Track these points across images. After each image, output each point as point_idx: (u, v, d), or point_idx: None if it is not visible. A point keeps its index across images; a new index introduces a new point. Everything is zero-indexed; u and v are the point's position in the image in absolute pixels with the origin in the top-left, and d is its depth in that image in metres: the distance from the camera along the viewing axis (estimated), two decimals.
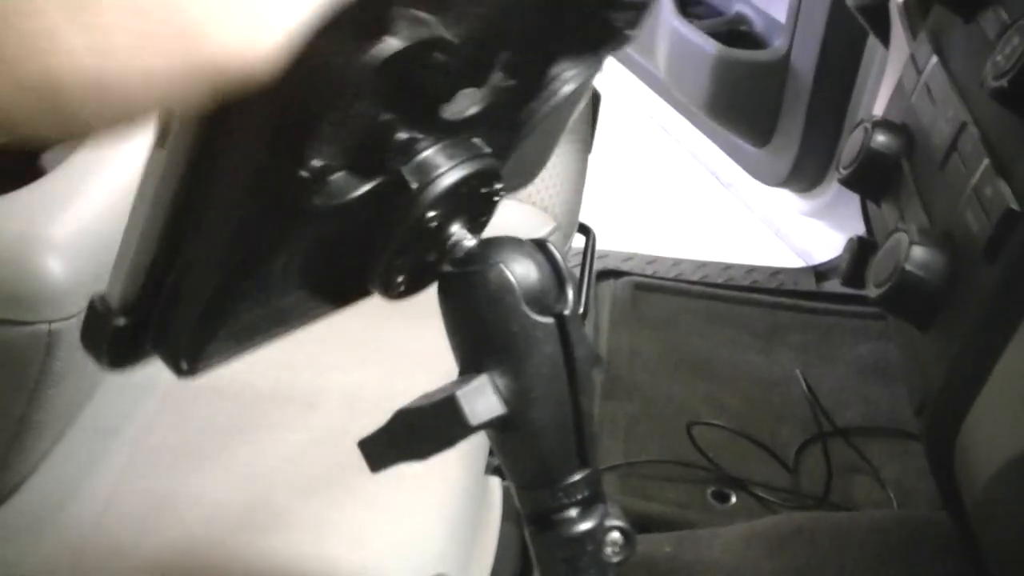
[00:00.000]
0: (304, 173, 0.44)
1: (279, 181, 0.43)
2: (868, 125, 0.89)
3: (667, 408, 1.69)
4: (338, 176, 0.47)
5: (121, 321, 0.46)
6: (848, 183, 0.91)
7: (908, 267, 0.74)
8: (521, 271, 0.53)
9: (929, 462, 0.82)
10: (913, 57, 0.90)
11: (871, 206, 0.95)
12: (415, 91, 0.47)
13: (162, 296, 0.45)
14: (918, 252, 0.74)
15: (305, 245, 0.49)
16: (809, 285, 2.08)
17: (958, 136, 0.77)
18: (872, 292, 0.78)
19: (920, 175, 0.84)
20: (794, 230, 2.24)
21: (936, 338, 0.76)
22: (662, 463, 1.56)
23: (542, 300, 0.53)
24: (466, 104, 0.51)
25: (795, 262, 2.19)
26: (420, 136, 0.50)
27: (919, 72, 0.87)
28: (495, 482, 1.12)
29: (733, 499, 1.54)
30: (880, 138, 0.88)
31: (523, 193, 1.30)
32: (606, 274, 2.02)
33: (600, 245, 1.83)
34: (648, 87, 2.48)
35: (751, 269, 2.12)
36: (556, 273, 0.55)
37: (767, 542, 1.35)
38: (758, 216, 2.34)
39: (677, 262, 2.12)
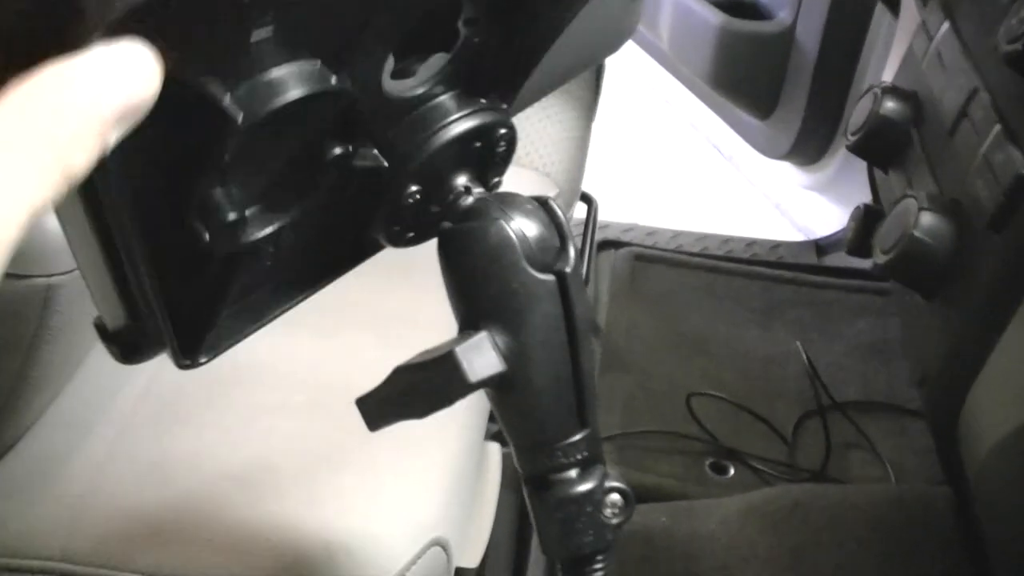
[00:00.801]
0: None
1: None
2: (877, 91, 0.88)
3: (665, 381, 1.68)
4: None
5: (120, 336, 0.46)
6: (856, 149, 0.90)
7: (916, 233, 0.73)
8: (522, 227, 0.52)
9: (932, 434, 0.81)
10: (924, 24, 0.89)
11: (878, 174, 0.94)
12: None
13: (139, 310, 0.44)
14: (927, 219, 0.73)
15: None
16: (809, 259, 2.07)
17: (969, 102, 0.76)
18: (879, 259, 0.77)
19: (929, 142, 0.83)
20: (795, 204, 2.23)
21: (941, 308, 0.75)
22: (660, 434, 1.56)
23: (543, 257, 0.53)
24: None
25: (795, 236, 2.18)
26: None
27: (930, 38, 0.86)
28: (494, 448, 1.11)
29: (731, 471, 1.54)
30: (889, 104, 0.87)
31: (526, 158, 1.29)
32: (606, 244, 2.01)
33: (600, 216, 1.82)
34: (651, 58, 2.46)
35: (751, 242, 2.12)
36: (558, 230, 0.54)
37: (763, 516, 1.35)
38: (759, 189, 2.34)
39: (677, 234, 2.11)
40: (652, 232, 2.11)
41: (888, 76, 0.98)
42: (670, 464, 1.53)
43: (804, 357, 1.72)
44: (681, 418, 1.60)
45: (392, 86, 0.50)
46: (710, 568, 1.29)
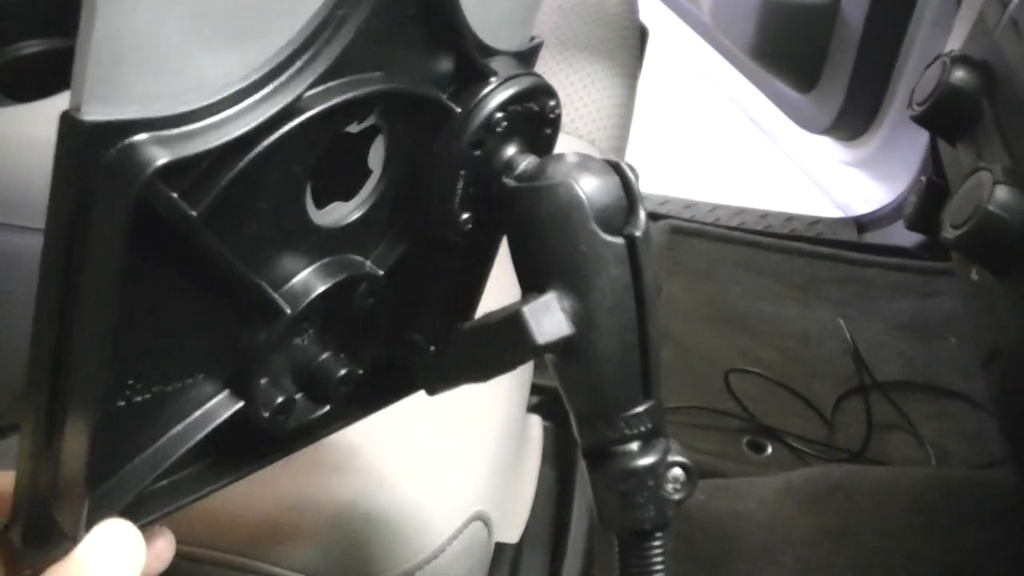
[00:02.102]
0: None
1: None
2: (947, 60, 0.85)
3: (703, 356, 1.66)
4: None
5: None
6: (921, 120, 0.87)
7: (991, 208, 0.70)
8: (592, 188, 0.50)
9: (997, 415, 0.79)
10: None
11: (943, 147, 0.91)
12: None
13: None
14: (1002, 192, 0.70)
15: None
16: (850, 236, 2.04)
17: None
18: (948, 234, 0.75)
19: (1003, 113, 0.80)
20: (835, 180, 2.20)
21: (1014, 285, 0.73)
22: (698, 410, 1.54)
23: (612, 220, 0.51)
24: None
25: (835, 213, 2.15)
26: None
27: (1004, 5, 0.83)
28: (535, 420, 1.09)
29: (769, 449, 1.52)
30: (959, 74, 0.84)
31: (570, 126, 1.27)
32: None
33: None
34: (691, 29, 2.43)
35: (790, 218, 2.09)
36: (628, 193, 0.52)
37: (803, 496, 1.33)
38: (798, 164, 2.30)
39: (714, 208, 2.09)
40: (689, 205, 2.08)
41: (953, 45, 0.95)
42: (707, 441, 1.51)
43: (847, 335, 1.69)
44: (719, 394, 1.57)
45: None
46: (749, 547, 1.27)
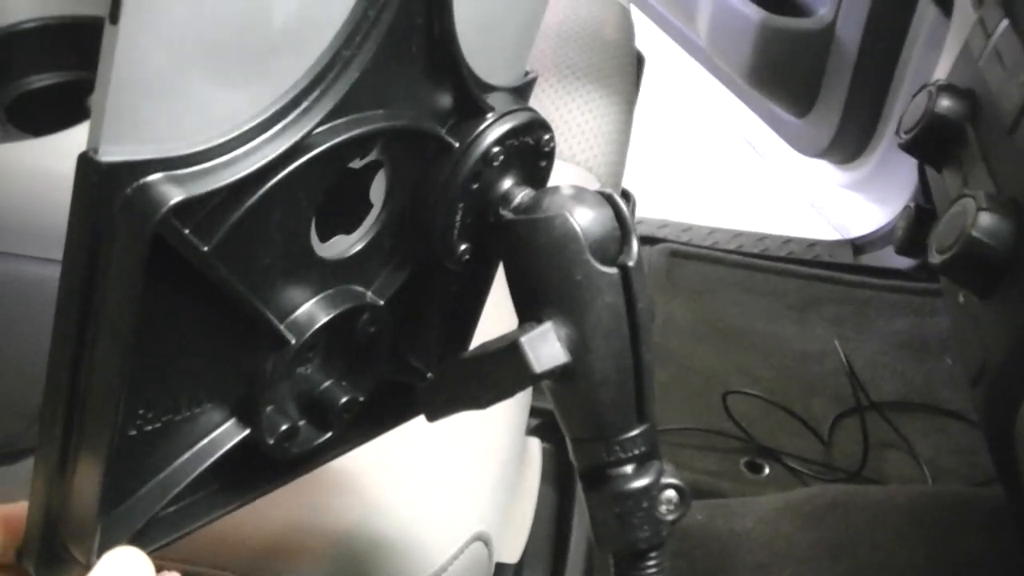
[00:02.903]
0: None
1: None
2: (932, 89, 0.87)
3: (700, 378, 1.67)
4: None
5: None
6: (909, 148, 0.89)
7: (975, 233, 0.72)
8: (586, 219, 0.52)
9: (985, 433, 0.81)
10: (981, 20, 0.88)
11: (931, 173, 0.93)
12: None
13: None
14: (985, 218, 0.72)
15: None
16: (846, 258, 2.06)
17: None
18: (934, 258, 0.76)
19: (987, 141, 0.82)
20: (831, 203, 2.22)
21: (999, 306, 0.74)
22: (695, 431, 1.55)
23: (607, 251, 0.52)
24: None
25: (831, 235, 2.16)
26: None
27: (988, 36, 0.85)
28: (534, 443, 1.10)
29: (766, 470, 1.53)
30: (945, 102, 0.86)
31: (567, 152, 1.29)
32: (642, 240, 2.00)
33: (635, 211, 1.82)
34: (688, 54, 2.45)
35: (787, 240, 2.10)
36: (621, 224, 0.54)
37: (801, 514, 1.34)
38: (795, 188, 2.32)
39: (712, 231, 2.10)
40: (687, 228, 2.10)
41: (940, 74, 0.97)
42: (705, 461, 1.52)
43: (842, 355, 1.71)
44: (717, 415, 1.59)
45: None
46: (748, 565, 1.28)
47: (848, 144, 2.05)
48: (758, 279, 1.93)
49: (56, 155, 0.80)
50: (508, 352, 0.50)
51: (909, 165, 1.92)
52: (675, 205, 2.17)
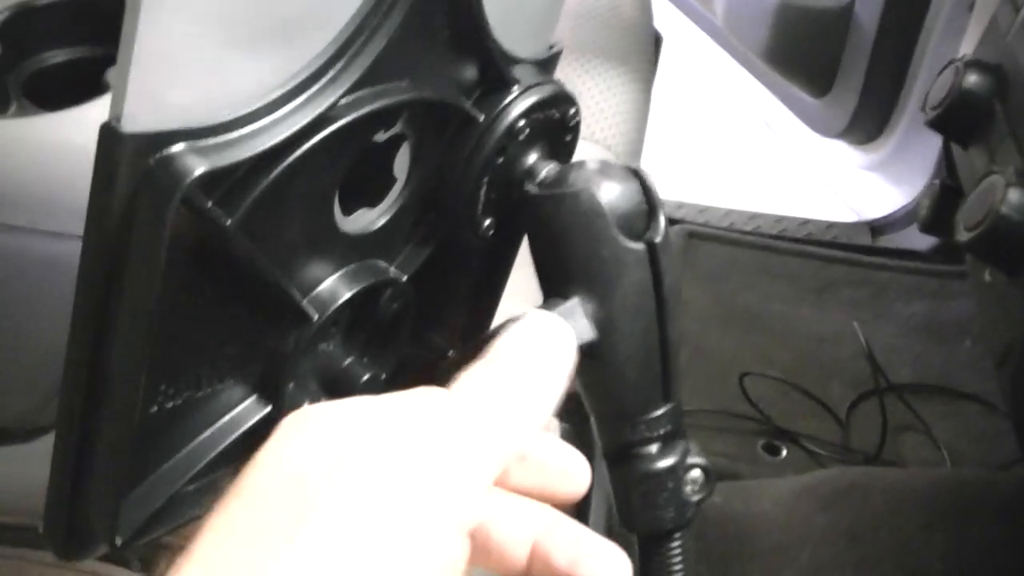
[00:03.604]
0: None
1: None
2: (959, 65, 0.86)
3: (717, 360, 1.66)
4: None
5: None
6: (935, 125, 0.88)
7: (1004, 210, 0.71)
8: (612, 194, 0.51)
9: (1011, 414, 0.80)
10: None
11: (957, 150, 0.92)
12: None
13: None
14: (1015, 195, 0.71)
15: None
16: (864, 240, 2.05)
17: None
18: (961, 236, 0.75)
19: (1015, 117, 0.81)
20: (849, 184, 2.20)
21: None
22: (712, 413, 1.54)
23: (633, 226, 0.52)
24: None
25: (849, 217, 2.15)
26: None
27: (1017, 9, 0.84)
28: (553, 423, 1.10)
29: (784, 452, 1.52)
30: (972, 78, 0.84)
31: (586, 131, 1.28)
32: None
33: None
34: (705, 35, 2.44)
35: (805, 222, 2.09)
36: (648, 199, 0.53)
37: (819, 497, 1.33)
38: (813, 169, 2.31)
39: (729, 212, 2.09)
40: (704, 210, 2.08)
41: (966, 50, 0.96)
42: (722, 443, 1.52)
43: (861, 338, 1.69)
44: (734, 397, 1.58)
45: None
46: (765, 547, 1.27)
47: (867, 125, 2.04)
48: (775, 261, 1.92)
49: (70, 129, 0.80)
50: None
51: (928, 146, 1.91)
52: (692, 186, 2.16)
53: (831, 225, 2.09)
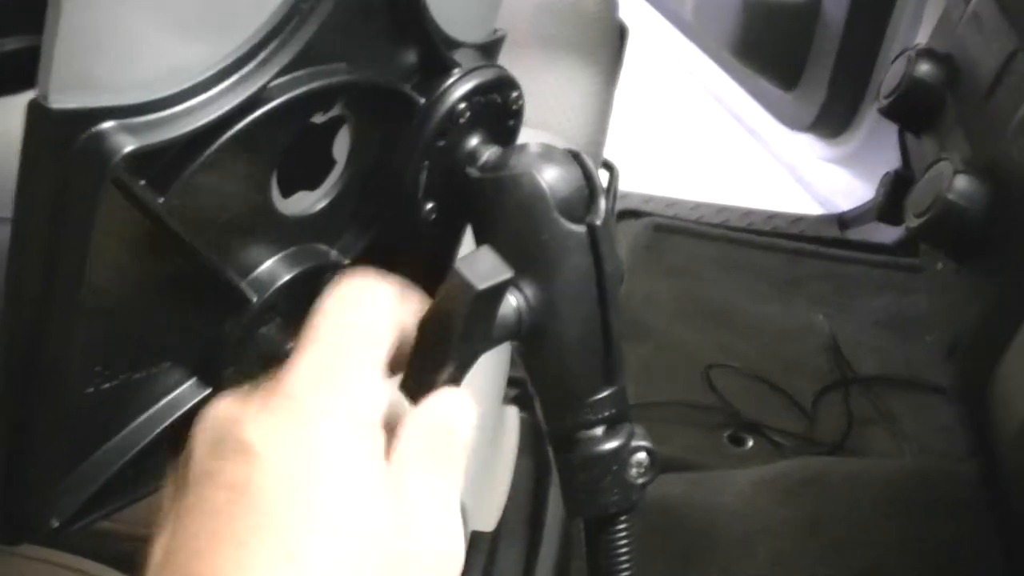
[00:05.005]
0: None
1: None
2: (911, 54, 0.87)
3: (683, 352, 1.67)
4: None
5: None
6: (888, 113, 0.89)
7: (950, 196, 0.71)
8: (553, 177, 0.51)
9: (959, 405, 0.80)
10: None
11: (910, 139, 0.92)
12: None
13: None
14: (961, 181, 0.72)
15: None
16: (831, 233, 2.05)
17: (1007, 65, 0.74)
18: (911, 222, 0.76)
19: (964, 105, 0.81)
20: (817, 177, 2.21)
21: (973, 274, 0.74)
22: (678, 405, 1.55)
23: (574, 209, 0.52)
24: None
25: (817, 210, 2.16)
26: None
27: (967, 1, 0.85)
28: (512, 412, 1.10)
29: (749, 443, 1.53)
30: (924, 67, 0.85)
31: (546, 122, 1.28)
32: (625, 214, 2.00)
33: (620, 185, 1.80)
34: (674, 28, 2.44)
35: (772, 215, 2.10)
36: (588, 182, 0.53)
37: (779, 488, 1.34)
38: (781, 162, 2.31)
39: (697, 206, 2.09)
40: (672, 203, 2.09)
41: (922, 39, 0.96)
42: (687, 435, 1.52)
43: (827, 329, 1.70)
44: (699, 389, 1.58)
45: None
46: (727, 539, 1.28)
47: (834, 118, 2.05)
48: (742, 255, 1.92)
49: (11, 114, 0.79)
50: (449, 283, 0.48)
51: (895, 139, 1.91)
52: (660, 179, 2.16)
53: (799, 218, 2.09)
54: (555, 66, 1.34)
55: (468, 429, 0.48)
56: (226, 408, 0.44)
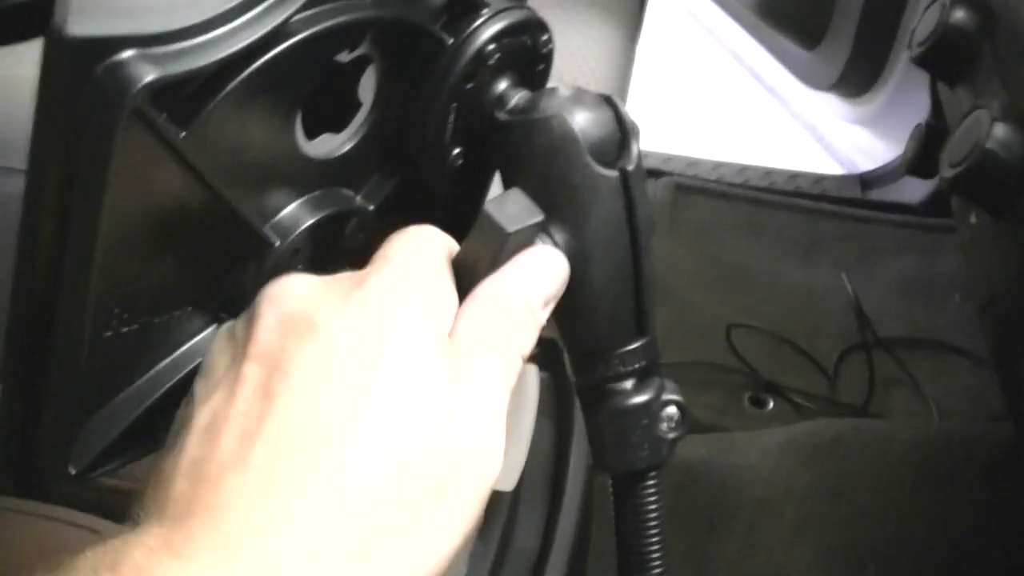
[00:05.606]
0: None
1: None
2: (946, 1, 0.85)
3: (704, 313, 1.65)
4: None
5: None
6: (920, 62, 0.86)
7: (989, 145, 0.69)
8: (586, 121, 0.50)
9: (994, 363, 0.78)
10: None
11: (943, 89, 0.90)
12: None
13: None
14: (1000, 129, 0.70)
15: None
16: (854, 193, 2.03)
17: None
18: (945, 173, 0.74)
19: (1001, 52, 0.79)
20: (840, 137, 2.19)
21: (1012, 225, 0.72)
22: (698, 365, 1.53)
23: (606, 153, 0.50)
24: None
25: (839, 170, 2.13)
26: None
27: None
28: (532, 370, 1.08)
29: (770, 404, 1.51)
30: (959, 14, 0.83)
31: (568, 77, 1.26)
32: (646, 174, 1.98)
33: (640, 144, 1.78)
34: None
35: (794, 175, 2.07)
36: (621, 127, 0.52)
37: (804, 449, 1.32)
38: (803, 122, 2.29)
39: (718, 165, 2.07)
40: (693, 163, 2.07)
41: None
42: (708, 396, 1.51)
43: (849, 291, 1.68)
44: (720, 350, 1.57)
45: None
46: (749, 500, 1.27)
47: (858, 77, 2.02)
48: (764, 215, 1.90)
49: (17, 62, 0.78)
50: (479, 226, 0.47)
51: (919, 98, 1.88)
52: (681, 139, 2.14)
53: (821, 178, 2.07)
54: (576, 22, 1.32)
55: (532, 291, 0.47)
56: (302, 288, 0.43)
